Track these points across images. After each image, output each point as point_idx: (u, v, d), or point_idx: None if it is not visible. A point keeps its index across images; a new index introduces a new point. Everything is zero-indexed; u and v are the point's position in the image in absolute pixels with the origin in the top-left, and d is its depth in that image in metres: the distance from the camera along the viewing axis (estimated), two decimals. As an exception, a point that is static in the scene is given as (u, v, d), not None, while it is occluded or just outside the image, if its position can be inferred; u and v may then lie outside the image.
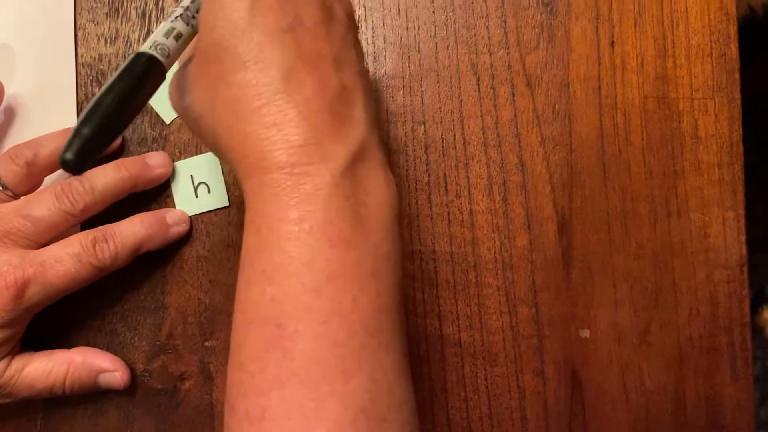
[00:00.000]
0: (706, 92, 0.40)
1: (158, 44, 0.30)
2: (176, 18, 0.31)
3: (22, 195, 0.37)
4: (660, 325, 0.40)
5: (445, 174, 0.40)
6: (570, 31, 0.41)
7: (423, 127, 0.40)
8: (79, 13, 0.41)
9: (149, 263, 0.40)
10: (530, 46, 0.41)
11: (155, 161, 0.39)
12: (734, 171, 0.40)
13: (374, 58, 0.41)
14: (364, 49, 0.41)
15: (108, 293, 0.40)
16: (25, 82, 0.41)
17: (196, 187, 0.40)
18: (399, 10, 0.41)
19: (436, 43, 0.41)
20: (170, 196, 0.40)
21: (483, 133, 0.40)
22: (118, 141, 0.40)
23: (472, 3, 0.41)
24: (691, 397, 0.40)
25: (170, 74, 0.31)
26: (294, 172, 0.28)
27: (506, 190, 0.40)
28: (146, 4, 0.41)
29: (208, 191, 0.40)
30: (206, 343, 0.40)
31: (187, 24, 0.31)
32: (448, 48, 0.41)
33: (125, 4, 0.41)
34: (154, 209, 0.40)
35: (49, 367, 0.37)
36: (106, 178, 0.37)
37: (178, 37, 0.31)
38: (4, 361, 0.36)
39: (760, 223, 1.13)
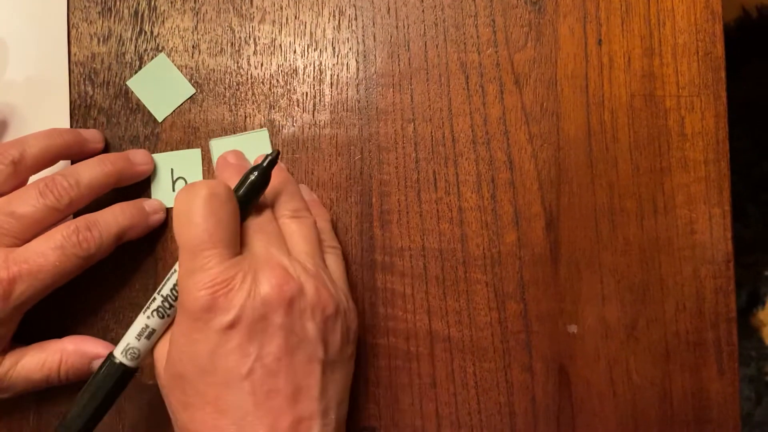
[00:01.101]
0: (693, 90, 0.41)
1: (130, 348, 0.34)
2: (152, 313, 0.34)
3: (6, 194, 0.37)
4: (647, 320, 0.40)
5: (434, 171, 0.41)
6: (558, 29, 0.41)
7: (412, 124, 0.41)
8: (72, 12, 0.41)
9: (140, 260, 0.40)
10: (518, 45, 0.41)
11: (138, 158, 0.40)
12: (720, 168, 0.40)
13: (364, 57, 0.41)
14: (354, 48, 0.41)
15: (100, 290, 0.40)
16: (17, 81, 0.41)
17: (175, 181, 0.41)
18: (389, 9, 0.41)
19: (426, 42, 0.41)
20: (148, 188, 0.41)
21: (472, 131, 0.41)
22: (101, 144, 0.41)
23: (461, 2, 0.41)
24: (678, 391, 0.40)
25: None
26: None
27: (495, 187, 0.40)
28: (138, 3, 0.41)
29: None
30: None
31: (162, 317, 0.34)
32: (437, 46, 0.41)
33: (117, 3, 0.41)
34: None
35: (42, 358, 0.37)
36: (91, 172, 0.37)
37: (150, 335, 0.34)
38: None
39: (753, 224, 1.13)
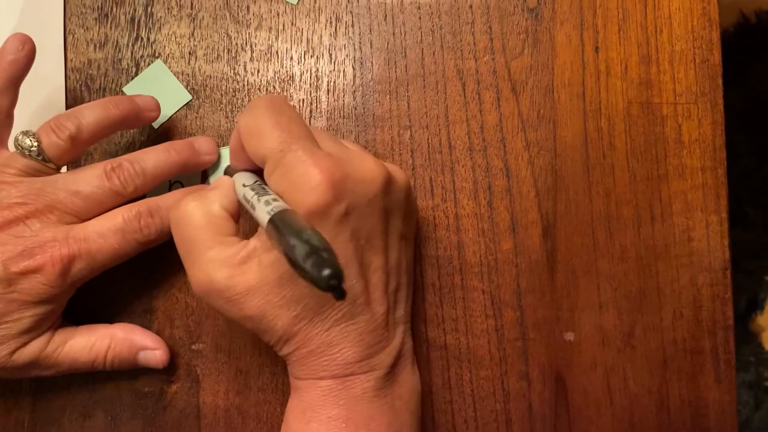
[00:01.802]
0: (690, 97, 0.41)
1: (273, 207, 0.30)
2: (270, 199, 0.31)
3: (63, 166, 0.37)
4: (644, 328, 0.40)
5: (431, 178, 0.41)
6: (555, 37, 0.41)
7: (409, 131, 0.41)
8: (69, 18, 0.41)
9: (137, 267, 0.40)
10: (515, 52, 0.41)
11: (204, 148, 0.39)
12: (717, 175, 0.40)
13: (361, 64, 0.41)
14: (351, 55, 0.41)
15: (96, 297, 0.40)
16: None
17: (172, 183, 0.40)
18: (386, 16, 0.41)
19: (422, 49, 0.41)
20: None
21: (468, 138, 0.41)
22: (156, 112, 0.39)
23: (458, 9, 0.41)
24: (675, 399, 0.40)
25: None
26: (346, 381, 0.33)
27: (491, 195, 0.40)
28: (135, 10, 0.41)
29: None
30: (193, 347, 0.40)
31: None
32: (434, 53, 0.41)
33: (114, 9, 0.41)
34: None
35: (91, 341, 0.37)
36: (156, 160, 0.37)
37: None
38: (47, 335, 0.36)
39: (753, 229, 1.13)
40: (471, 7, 0.41)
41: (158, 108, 0.39)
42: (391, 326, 0.35)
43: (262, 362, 0.40)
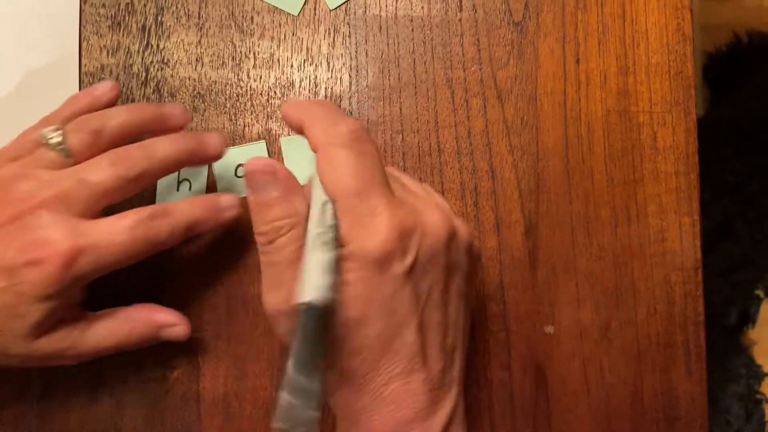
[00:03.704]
0: (664, 106, 0.43)
1: (320, 286, 0.29)
2: (328, 247, 0.30)
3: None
4: (620, 322, 0.42)
5: (421, 179, 0.43)
6: (538, 49, 0.44)
7: (401, 135, 0.43)
8: (84, 26, 0.44)
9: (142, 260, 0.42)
10: (501, 63, 0.44)
11: (211, 140, 0.39)
12: (690, 180, 0.43)
13: (357, 72, 0.44)
14: (348, 63, 0.44)
15: (100, 283, 0.42)
16: (30, 90, 0.44)
17: (180, 182, 0.43)
18: (381, 28, 0.44)
19: (414, 59, 0.44)
20: (154, 185, 0.42)
21: (456, 142, 0.43)
22: (183, 120, 0.40)
23: (448, 22, 0.44)
24: (649, 390, 0.42)
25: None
26: None
27: (477, 195, 0.43)
28: (146, 18, 0.44)
29: (189, 188, 0.43)
30: (194, 335, 0.42)
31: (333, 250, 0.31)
32: (425, 63, 0.44)
33: (127, 18, 0.44)
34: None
35: (112, 326, 0.38)
36: (164, 147, 0.37)
37: (332, 269, 0.30)
38: (67, 326, 0.36)
39: (741, 242, 1.15)
40: (460, 20, 0.44)
41: (185, 116, 0.40)
42: (446, 387, 0.33)
43: (259, 349, 0.42)
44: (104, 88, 0.39)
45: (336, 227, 0.31)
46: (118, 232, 0.35)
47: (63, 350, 0.36)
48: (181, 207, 0.37)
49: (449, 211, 0.34)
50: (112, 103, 0.39)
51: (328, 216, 0.32)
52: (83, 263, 0.34)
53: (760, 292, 1.19)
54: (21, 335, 0.35)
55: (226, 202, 0.39)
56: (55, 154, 0.36)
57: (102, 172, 0.35)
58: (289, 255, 0.32)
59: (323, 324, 0.29)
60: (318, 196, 0.32)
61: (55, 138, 0.36)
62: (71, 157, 0.36)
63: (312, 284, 0.29)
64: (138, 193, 0.38)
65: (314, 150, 0.33)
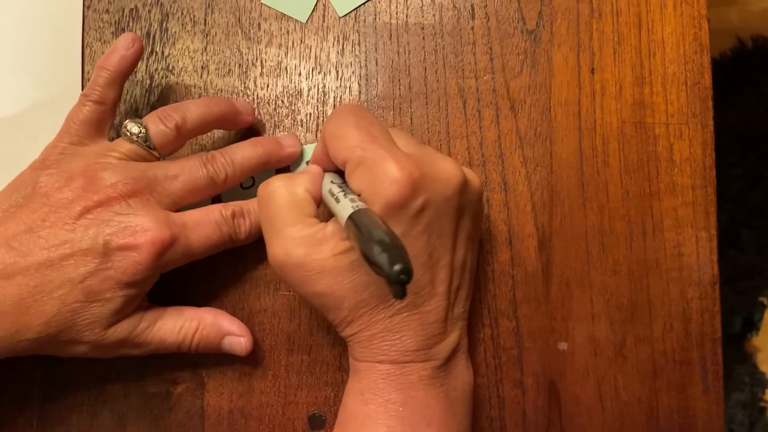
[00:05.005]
0: (681, 118, 0.42)
1: (357, 204, 0.32)
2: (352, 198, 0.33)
3: (166, 156, 0.39)
4: (635, 339, 0.41)
5: (431, 191, 0.42)
6: (552, 58, 0.43)
7: (411, 146, 0.42)
8: (87, 32, 0.43)
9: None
10: (514, 72, 0.43)
11: (287, 141, 0.41)
12: (707, 193, 0.42)
13: (366, 81, 0.43)
14: (357, 72, 0.43)
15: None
16: (32, 96, 0.43)
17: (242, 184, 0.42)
18: (391, 35, 0.43)
19: (426, 68, 0.43)
20: None
21: (468, 153, 0.42)
22: (252, 116, 0.42)
23: (460, 30, 0.43)
24: (664, 408, 0.41)
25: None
26: (404, 367, 0.35)
27: (490, 208, 0.42)
28: (151, 25, 0.43)
29: (252, 184, 0.42)
30: (199, 349, 0.42)
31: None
32: (436, 72, 0.43)
33: (131, 24, 0.43)
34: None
35: (180, 323, 0.38)
36: (244, 153, 0.39)
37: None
38: (138, 315, 0.37)
39: (747, 250, 1.15)
40: (473, 28, 0.43)
41: (253, 113, 0.42)
42: (450, 321, 0.36)
43: (266, 365, 0.41)
44: (126, 42, 0.39)
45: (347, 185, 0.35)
46: (204, 225, 0.37)
47: (129, 340, 0.37)
48: (256, 209, 0.39)
49: (459, 164, 0.36)
50: (138, 55, 0.39)
51: (337, 180, 0.36)
52: (173, 252, 0.36)
53: (764, 300, 1.19)
54: (98, 321, 0.36)
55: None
56: (138, 147, 0.37)
57: (194, 172, 0.38)
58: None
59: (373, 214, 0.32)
60: (329, 175, 0.37)
61: (138, 131, 0.37)
62: (155, 150, 0.38)
63: (347, 207, 0.32)
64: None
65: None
